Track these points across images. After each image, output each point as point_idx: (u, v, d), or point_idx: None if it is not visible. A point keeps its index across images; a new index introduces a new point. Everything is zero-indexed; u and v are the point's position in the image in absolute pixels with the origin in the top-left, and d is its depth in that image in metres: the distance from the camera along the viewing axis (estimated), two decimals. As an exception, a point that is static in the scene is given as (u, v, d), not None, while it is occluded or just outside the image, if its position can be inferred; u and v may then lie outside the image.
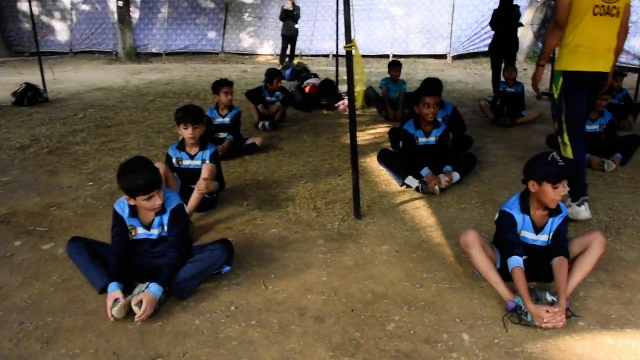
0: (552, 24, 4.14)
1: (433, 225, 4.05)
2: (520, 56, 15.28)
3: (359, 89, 3.80)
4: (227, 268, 3.25)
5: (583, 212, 4.20)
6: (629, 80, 10.95)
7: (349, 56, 3.84)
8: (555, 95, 4.25)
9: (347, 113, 8.12)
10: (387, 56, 15.93)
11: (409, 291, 3.13)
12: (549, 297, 2.87)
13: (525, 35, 13.96)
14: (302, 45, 16.01)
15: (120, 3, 15.27)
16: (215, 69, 14.24)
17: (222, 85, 5.90)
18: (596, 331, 2.77)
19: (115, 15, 15.93)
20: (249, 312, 2.93)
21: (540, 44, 15.06)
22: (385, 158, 4.92)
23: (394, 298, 3.06)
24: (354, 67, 3.89)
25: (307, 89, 8.98)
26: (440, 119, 5.61)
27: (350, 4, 3.77)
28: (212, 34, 17.18)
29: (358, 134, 6.81)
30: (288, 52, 14.28)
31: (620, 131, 6.92)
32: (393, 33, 16.26)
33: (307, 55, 16.06)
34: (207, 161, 4.24)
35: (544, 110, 8.44)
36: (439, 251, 3.61)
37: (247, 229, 3.99)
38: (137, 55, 16.31)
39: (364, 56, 16.20)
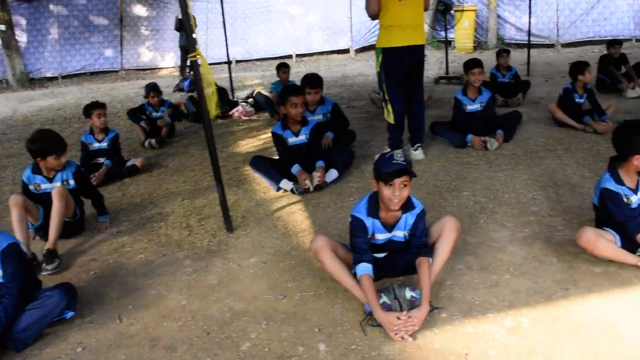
0: (366, 12, 5.03)
1: (307, 229, 3.95)
2: (420, 43, 15.57)
3: (211, 98, 3.65)
4: (70, 313, 2.98)
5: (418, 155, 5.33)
6: (522, 56, 11.37)
7: (195, 66, 3.68)
8: (377, 69, 5.11)
9: (242, 119, 8.01)
10: (290, 56, 15.88)
11: (270, 304, 3.01)
12: (409, 294, 2.80)
13: (421, 23, 14.21)
14: (203, 53, 15.71)
15: (3, 27, 14.44)
16: (113, 88, 13.73)
17: (93, 108, 5.62)
18: (458, 321, 2.73)
19: (0, 41, 15.09)
20: (97, 351, 2.73)
21: (436, 33, 15.44)
22: (257, 165, 4.81)
23: (254, 314, 2.93)
24: (204, 76, 3.73)
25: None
26: (321, 115, 5.57)
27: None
28: (109, 52, 16.56)
29: (247, 140, 6.80)
30: (188, 62, 13.98)
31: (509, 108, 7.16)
32: (294, 32, 16.25)
33: (209, 64, 15.76)
34: (70, 181, 4.17)
35: (435, 94, 8.60)
36: (308, 257, 3.50)
37: (113, 258, 3.77)
38: (31, 81, 15.52)
39: (265, 59, 16.23)
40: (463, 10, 12.32)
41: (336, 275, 2.89)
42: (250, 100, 8.75)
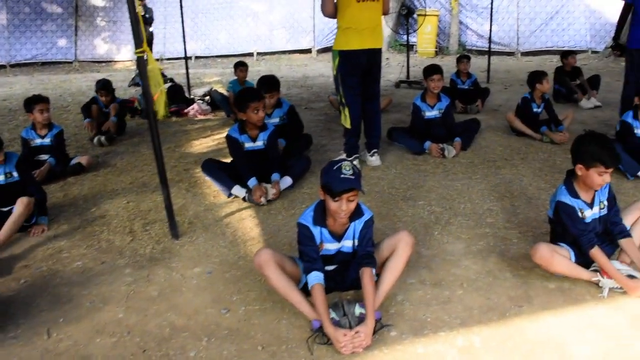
0: (322, 12, 4.91)
1: (256, 237, 3.78)
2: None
3: (159, 97, 3.45)
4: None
5: (374, 161, 5.26)
6: (482, 63, 11.44)
7: (141, 63, 3.47)
8: (334, 72, 4.98)
9: (198, 118, 7.79)
10: (251, 54, 15.65)
11: (213, 319, 2.84)
12: (358, 311, 2.68)
13: (384, 25, 14.17)
14: (162, 48, 15.34)
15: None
16: (66, 80, 13.19)
17: (35, 102, 5.27)
18: (408, 340, 2.61)
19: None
20: (19, 371, 2.51)
21: (398, 36, 15.46)
22: (209, 168, 4.59)
23: (195, 330, 2.75)
24: (151, 74, 3.53)
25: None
26: (278, 119, 5.41)
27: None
28: (62, 42, 15.88)
29: (202, 140, 6.57)
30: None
31: (469, 115, 7.16)
32: (256, 30, 16.05)
33: (168, 59, 15.39)
34: (13, 173, 4.10)
35: (395, 98, 8.55)
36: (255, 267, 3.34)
37: (47, 265, 3.51)
38: (-23, 70, 14.82)
39: (226, 56, 15.94)
40: (425, 15, 12.32)
41: (282, 290, 2.74)
42: (207, 98, 8.52)
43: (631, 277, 2.94)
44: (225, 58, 15.92)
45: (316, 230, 2.79)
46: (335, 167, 2.60)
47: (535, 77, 6.13)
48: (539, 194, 4.40)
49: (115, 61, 16.14)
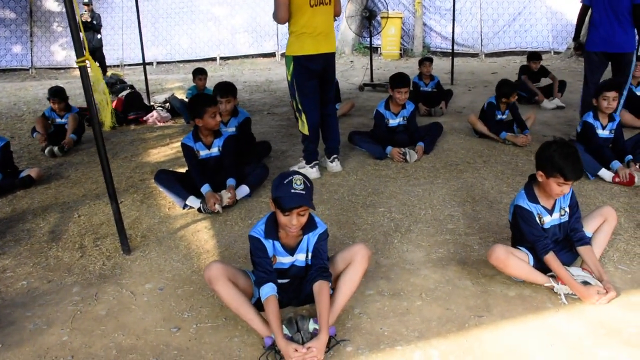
0: (274, 19, 4.77)
1: (211, 250, 3.65)
2: (346, 49, 15.56)
3: (105, 107, 3.31)
4: None
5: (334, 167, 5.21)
6: (447, 65, 11.49)
7: (83, 73, 3.30)
8: (289, 78, 4.87)
9: (158, 125, 7.60)
10: (214, 59, 15.45)
11: (163, 338, 2.70)
12: (312, 326, 2.59)
13: (347, 29, 14.17)
14: (121, 54, 15.02)
15: None
16: (21, 87, 12.77)
17: None
18: (364, 356, 2.53)
19: None
20: (-49, 404, 2.35)
21: (362, 39, 15.46)
22: (162, 180, 4.44)
23: (143, 351, 2.62)
24: (95, 85, 3.37)
25: (112, 105, 8.25)
26: (234, 128, 5.26)
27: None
28: (17, 48, 15.40)
29: (160, 149, 6.39)
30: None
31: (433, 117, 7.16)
32: (218, 34, 15.83)
33: (128, 65, 15.08)
34: None
35: (359, 101, 8.51)
36: (209, 282, 3.22)
37: (-12, 287, 3.34)
38: None
39: (188, 61, 15.71)
40: (388, 17, 12.36)
41: (234, 306, 2.63)
42: (167, 105, 8.33)
43: (586, 283, 2.92)
44: (187, 63, 15.64)
45: (268, 244, 2.70)
46: (285, 181, 2.51)
47: (505, 92, 6.00)
48: (501, 197, 4.37)
49: (74, 68, 15.64)
